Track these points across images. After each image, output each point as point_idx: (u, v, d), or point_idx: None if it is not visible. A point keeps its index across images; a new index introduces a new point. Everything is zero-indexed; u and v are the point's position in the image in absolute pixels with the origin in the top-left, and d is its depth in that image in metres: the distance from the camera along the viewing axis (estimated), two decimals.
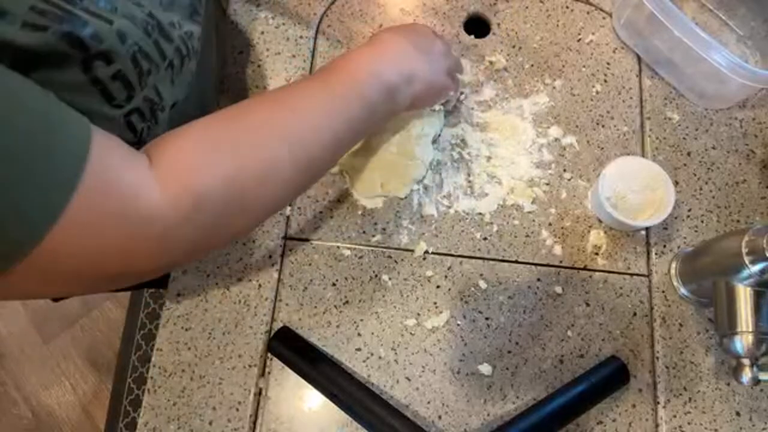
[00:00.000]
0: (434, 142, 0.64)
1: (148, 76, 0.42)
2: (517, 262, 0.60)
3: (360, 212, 0.61)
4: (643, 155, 0.64)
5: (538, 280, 0.60)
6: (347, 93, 0.48)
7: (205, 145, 0.39)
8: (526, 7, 0.71)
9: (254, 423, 0.55)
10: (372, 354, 0.57)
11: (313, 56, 0.68)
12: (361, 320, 0.58)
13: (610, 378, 0.55)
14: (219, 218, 0.39)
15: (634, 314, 0.59)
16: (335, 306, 0.58)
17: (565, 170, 0.64)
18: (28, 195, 0.30)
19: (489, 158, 0.64)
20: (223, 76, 0.66)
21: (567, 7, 0.71)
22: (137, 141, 0.45)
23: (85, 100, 0.39)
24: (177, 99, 0.49)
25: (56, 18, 0.34)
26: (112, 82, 0.40)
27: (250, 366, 0.56)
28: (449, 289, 0.59)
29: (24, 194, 0.30)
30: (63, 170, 0.31)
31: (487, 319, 0.58)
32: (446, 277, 0.59)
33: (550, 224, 0.62)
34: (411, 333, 0.57)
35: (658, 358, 0.57)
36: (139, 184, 0.35)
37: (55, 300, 0.83)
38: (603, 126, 0.66)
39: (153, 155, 0.37)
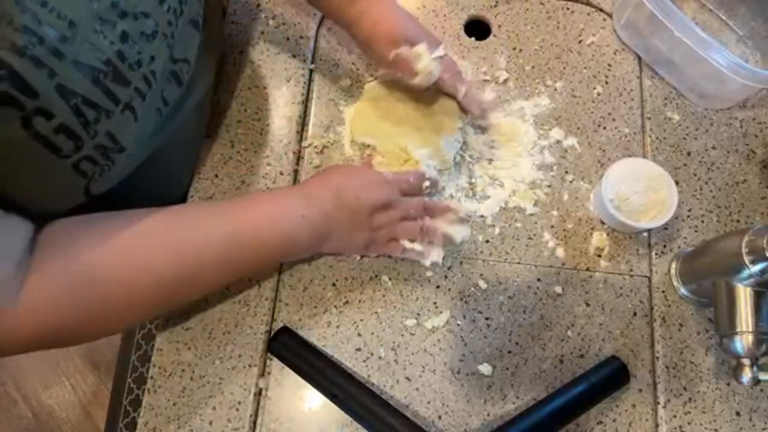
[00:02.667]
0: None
1: (97, 124, 0.40)
2: (519, 263, 0.60)
3: None
4: (644, 156, 0.64)
5: (538, 280, 0.60)
6: (253, 245, 0.50)
7: (75, 286, 0.42)
8: (527, 9, 0.71)
9: (254, 423, 0.55)
10: (372, 354, 0.57)
11: (313, 56, 0.68)
12: (361, 320, 0.58)
13: (610, 378, 0.55)
14: (56, 346, 0.45)
15: (634, 314, 0.59)
16: (335, 306, 0.58)
17: (567, 172, 0.64)
18: None
19: (490, 160, 0.64)
20: (223, 75, 0.66)
21: (567, 9, 0.71)
22: (87, 183, 0.44)
23: (26, 153, 0.38)
24: (146, 130, 0.47)
25: None
26: (55, 135, 0.38)
27: (250, 366, 0.56)
28: (449, 289, 0.59)
29: None
30: None
31: (487, 319, 0.58)
32: (446, 277, 0.59)
33: (552, 226, 0.62)
34: (411, 333, 0.57)
35: (658, 358, 0.57)
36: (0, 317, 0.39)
37: None
38: (604, 127, 0.66)
39: (28, 276, 0.40)
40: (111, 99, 0.41)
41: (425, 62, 0.57)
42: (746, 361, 0.49)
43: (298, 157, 0.64)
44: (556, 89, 0.67)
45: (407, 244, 0.57)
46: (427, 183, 0.59)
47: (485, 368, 0.56)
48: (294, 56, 0.67)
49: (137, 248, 0.45)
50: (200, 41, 0.53)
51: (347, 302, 0.58)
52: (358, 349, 0.57)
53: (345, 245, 0.57)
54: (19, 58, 0.34)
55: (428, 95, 0.63)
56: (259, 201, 0.53)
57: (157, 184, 0.57)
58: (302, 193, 0.54)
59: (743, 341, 0.49)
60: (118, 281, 0.44)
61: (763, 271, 0.48)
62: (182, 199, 0.61)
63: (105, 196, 0.47)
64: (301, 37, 0.68)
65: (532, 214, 0.62)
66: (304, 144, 0.64)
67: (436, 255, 0.57)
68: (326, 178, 0.56)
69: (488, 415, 0.55)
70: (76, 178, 0.43)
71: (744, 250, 0.48)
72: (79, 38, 0.37)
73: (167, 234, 0.47)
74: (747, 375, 0.49)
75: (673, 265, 0.60)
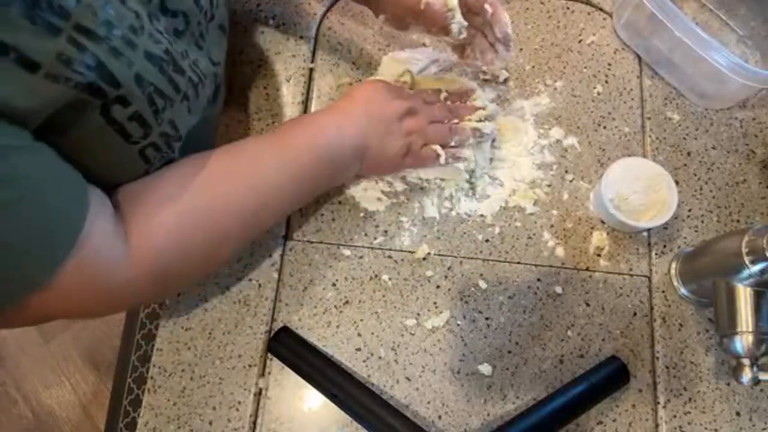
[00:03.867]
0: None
1: (164, 113, 0.43)
2: (519, 263, 0.60)
3: (362, 214, 0.61)
4: (644, 155, 0.64)
5: (538, 280, 0.60)
6: (306, 162, 0.53)
7: (170, 227, 0.45)
8: (527, 9, 0.71)
9: (254, 423, 0.55)
10: (372, 354, 0.57)
11: (313, 56, 0.68)
12: (361, 320, 0.58)
13: (610, 378, 0.55)
14: (171, 288, 0.53)
15: (634, 314, 0.59)
16: (335, 306, 0.58)
17: (566, 171, 0.64)
18: (22, 265, 0.37)
19: (490, 160, 0.64)
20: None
21: (567, 8, 0.71)
22: (147, 169, 0.46)
23: (101, 138, 0.40)
24: (193, 123, 0.49)
25: (80, 68, 0.35)
26: (129, 123, 0.41)
27: (250, 366, 0.56)
28: (449, 289, 0.59)
29: (19, 264, 0.37)
30: (53, 253, 0.37)
31: (487, 319, 0.58)
32: (446, 277, 0.59)
33: (552, 226, 0.62)
34: (411, 333, 0.57)
35: (658, 358, 0.57)
36: (114, 265, 0.42)
37: None
38: (604, 127, 0.66)
39: (129, 228, 0.43)
40: (174, 87, 0.43)
41: (459, 17, 0.54)
42: (746, 361, 0.49)
43: None
44: (556, 88, 0.67)
45: (439, 149, 0.58)
46: (445, 94, 0.61)
47: (485, 368, 0.56)
48: (294, 56, 0.67)
49: (214, 187, 0.48)
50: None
51: (347, 302, 0.58)
52: (358, 349, 0.57)
53: (383, 156, 0.57)
54: (103, 49, 0.36)
55: (448, 77, 0.64)
56: (301, 124, 0.56)
57: None
58: (334, 109, 0.56)
59: (743, 341, 0.49)
60: (207, 219, 0.47)
61: (763, 271, 0.48)
62: None
63: None
64: (301, 37, 0.68)
65: (531, 214, 0.62)
66: None
67: (468, 153, 0.60)
68: (353, 93, 0.57)
69: (488, 415, 0.55)
70: (141, 164, 0.45)
71: (744, 250, 0.48)
72: (145, 29, 0.40)
73: (237, 168, 0.50)
74: (747, 375, 0.49)
75: (673, 265, 0.60)
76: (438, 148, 0.58)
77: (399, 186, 0.62)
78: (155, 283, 0.46)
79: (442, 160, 0.58)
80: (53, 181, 0.37)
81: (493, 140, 0.63)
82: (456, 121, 0.60)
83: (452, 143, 0.59)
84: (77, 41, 0.34)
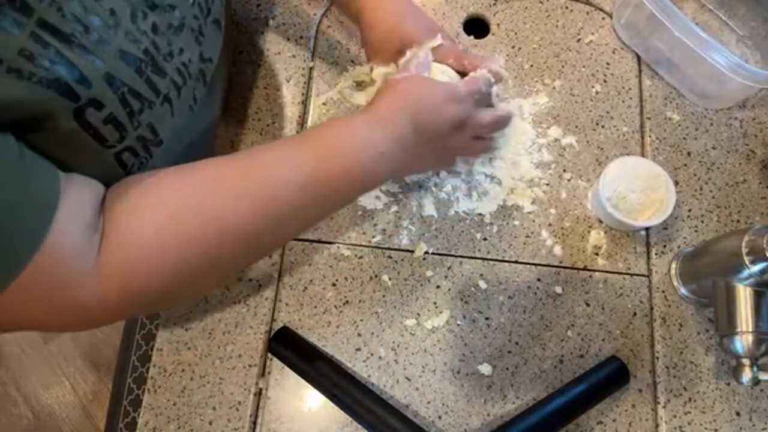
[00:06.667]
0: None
1: (140, 115, 0.41)
2: (517, 262, 0.60)
3: (360, 213, 0.61)
4: (643, 155, 0.64)
5: (538, 280, 0.60)
6: (334, 188, 0.46)
7: (149, 242, 0.39)
8: (526, 8, 0.71)
9: (254, 423, 0.55)
10: (372, 354, 0.57)
11: (313, 56, 0.68)
12: (361, 320, 0.58)
13: (610, 378, 0.55)
14: (146, 309, 0.45)
15: (634, 314, 0.59)
16: (335, 306, 0.58)
17: (565, 170, 0.64)
18: None
19: (489, 158, 0.64)
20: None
21: (566, 8, 0.71)
22: (125, 175, 0.43)
23: (75, 144, 0.39)
24: (179, 125, 0.48)
25: (45, 63, 0.34)
26: (104, 126, 0.39)
27: (250, 366, 0.56)
28: (449, 289, 0.59)
29: None
30: (14, 253, 0.34)
31: (487, 319, 0.58)
32: (446, 277, 0.59)
33: (550, 224, 0.62)
34: (411, 333, 0.57)
35: (658, 358, 0.57)
36: (80, 278, 0.37)
37: None
38: (603, 126, 0.66)
39: (105, 238, 0.39)
40: (152, 89, 0.42)
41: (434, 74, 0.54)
42: (746, 361, 0.49)
43: None
44: (554, 88, 0.67)
45: (463, 166, 0.60)
46: (493, 82, 0.55)
47: (485, 368, 0.56)
48: (294, 56, 0.67)
49: (207, 199, 0.42)
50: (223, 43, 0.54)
51: (347, 302, 0.58)
52: (358, 349, 0.57)
53: (421, 170, 0.57)
54: (69, 46, 0.35)
55: None
56: (332, 134, 0.48)
57: None
58: (376, 120, 0.48)
59: (743, 341, 0.49)
60: (191, 235, 0.41)
61: (763, 271, 0.48)
62: None
63: None
64: (301, 37, 0.68)
65: (530, 212, 0.62)
66: None
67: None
68: (399, 98, 0.50)
69: (488, 415, 0.55)
70: (116, 169, 0.43)
71: (744, 250, 0.48)
72: (121, 27, 0.38)
73: (238, 180, 0.43)
74: (747, 375, 0.49)
75: (673, 265, 0.60)
76: (464, 164, 0.60)
77: (397, 185, 0.62)
78: (129, 303, 0.40)
79: (464, 174, 0.61)
80: (19, 177, 0.34)
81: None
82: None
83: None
84: (40, 37, 0.33)
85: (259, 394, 0.56)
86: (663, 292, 0.59)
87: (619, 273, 0.60)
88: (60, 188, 0.37)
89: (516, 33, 0.70)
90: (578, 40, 0.69)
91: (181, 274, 0.41)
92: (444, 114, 0.50)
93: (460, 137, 0.53)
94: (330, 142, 0.47)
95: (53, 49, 0.34)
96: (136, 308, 0.43)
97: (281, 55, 0.67)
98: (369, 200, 0.62)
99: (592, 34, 0.70)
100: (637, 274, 0.60)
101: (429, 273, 0.59)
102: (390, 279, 0.59)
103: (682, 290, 0.59)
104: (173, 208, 0.41)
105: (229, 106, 0.65)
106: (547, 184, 0.63)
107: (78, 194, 0.38)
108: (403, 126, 0.48)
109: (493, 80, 0.54)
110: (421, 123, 0.49)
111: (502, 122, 0.55)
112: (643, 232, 0.62)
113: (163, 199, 0.41)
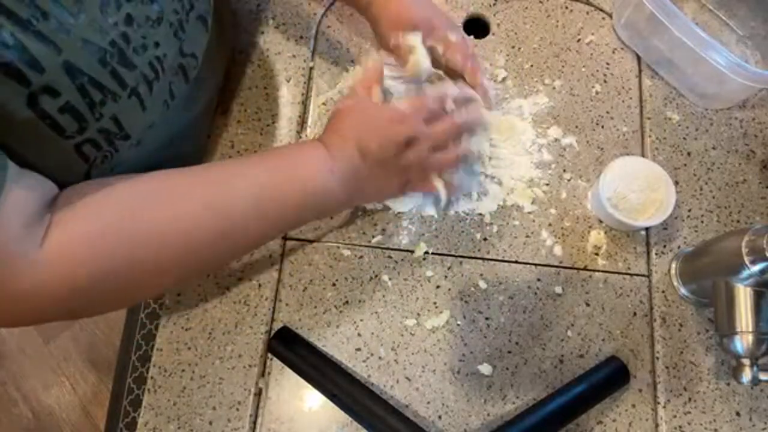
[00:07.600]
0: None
1: (102, 107, 0.41)
2: (517, 262, 0.60)
3: (360, 212, 0.61)
4: (643, 155, 0.64)
5: (538, 280, 0.60)
6: (289, 209, 0.49)
7: (94, 240, 0.40)
8: (526, 8, 0.71)
9: (254, 423, 0.55)
10: (372, 354, 0.57)
11: (313, 56, 0.68)
12: (361, 320, 0.58)
13: (610, 378, 0.55)
14: (91, 305, 0.43)
15: (634, 314, 0.59)
16: (335, 306, 0.58)
17: (564, 170, 0.64)
18: None
19: (489, 158, 0.64)
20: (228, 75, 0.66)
21: (566, 8, 0.71)
22: (88, 168, 0.44)
23: (32, 133, 0.38)
24: (153, 121, 0.47)
25: None
26: (60, 115, 0.38)
27: (250, 366, 0.56)
28: (449, 289, 0.59)
29: None
30: None
31: (487, 319, 0.58)
32: (446, 277, 0.59)
33: (550, 224, 0.62)
34: (411, 333, 0.57)
35: (658, 358, 0.57)
36: (20, 268, 0.37)
37: None
38: (603, 126, 0.66)
39: (49, 232, 0.38)
40: (118, 82, 0.41)
41: (416, 56, 0.53)
42: (746, 361, 0.49)
43: None
44: (554, 88, 0.67)
45: (438, 185, 0.54)
46: (450, 101, 0.53)
47: (485, 368, 0.56)
48: (294, 56, 0.67)
49: (161, 204, 0.43)
50: (212, 40, 0.53)
51: (347, 302, 0.58)
52: (358, 349, 0.57)
53: (378, 195, 0.55)
54: (24, 30, 0.34)
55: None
56: (287, 162, 0.50)
57: None
58: (324, 146, 0.50)
59: (743, 341, 0.49)
60: (142, 238, 0.42)
61: (763, 271, 0.48)
62: None
63: None
64: (301, 37, 0.68)
65: (529, 212, 0.62)
66: None
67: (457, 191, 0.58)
68: (340, 128, 0.51)
69: (488, 415, 0.55)
70: (77, 161, 0.42)
71: (744, 250, 0.48)
72: (86, 16, 0.37)
73: (194, 188, 0.45)
74: (747, 375, 0.49)
75: (673, 265, 0.60)
76: (439, 183, 0.54)
77: None
78: (70, 299, 0.40)
79: (442, 195, 0.55)
80: None
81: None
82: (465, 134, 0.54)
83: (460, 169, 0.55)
84: None
85: (259, 394, 0.56)
86: (663, 292, 0.59)
87: (619, 273, 0.60)
88: (6, 179, 0.36)
89: (516, 33, 0.70)
90: (578, 40, 0.69)
91: (127, 275, 0.42)
92: (389, 136, 0.50)
93: (413, 154, 0.51)
94: (284, 171, 0.49)
95: (7, 31, 0.33)
96: (81, 306, 0.42)
97: (281, 55, 0.67)
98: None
99: (592, 34, 0.70)
100: (637, 274, 0.60)
101: (429, 273, 0.59)
102: (390, 279, 0.59)
103: (682, 290, 0.59)
104: (125, 209, 0.42)
105: (229, 106, 0.65)
106: (547, 184, 0.63)
107: (20, 188, 0.38)
108: (349, 153, 0.50)
109: (450, 93, 0.53)
110: (364, 148, 0.50)
111: (463, 128, 0.54)
112: (643, 232, 0.62)
113: (114, 199, 0.42)
